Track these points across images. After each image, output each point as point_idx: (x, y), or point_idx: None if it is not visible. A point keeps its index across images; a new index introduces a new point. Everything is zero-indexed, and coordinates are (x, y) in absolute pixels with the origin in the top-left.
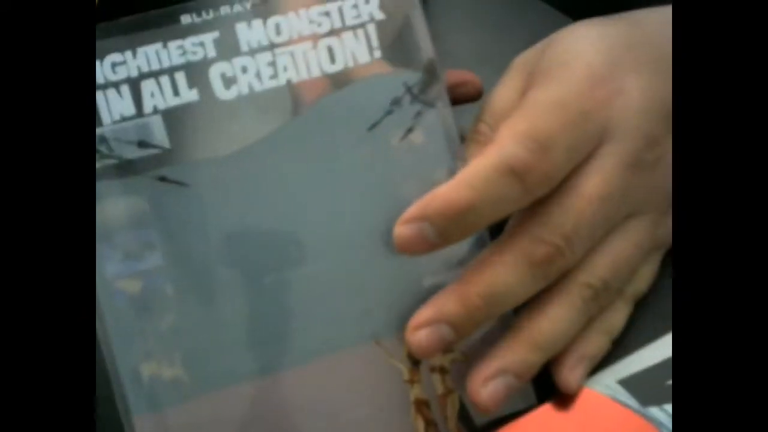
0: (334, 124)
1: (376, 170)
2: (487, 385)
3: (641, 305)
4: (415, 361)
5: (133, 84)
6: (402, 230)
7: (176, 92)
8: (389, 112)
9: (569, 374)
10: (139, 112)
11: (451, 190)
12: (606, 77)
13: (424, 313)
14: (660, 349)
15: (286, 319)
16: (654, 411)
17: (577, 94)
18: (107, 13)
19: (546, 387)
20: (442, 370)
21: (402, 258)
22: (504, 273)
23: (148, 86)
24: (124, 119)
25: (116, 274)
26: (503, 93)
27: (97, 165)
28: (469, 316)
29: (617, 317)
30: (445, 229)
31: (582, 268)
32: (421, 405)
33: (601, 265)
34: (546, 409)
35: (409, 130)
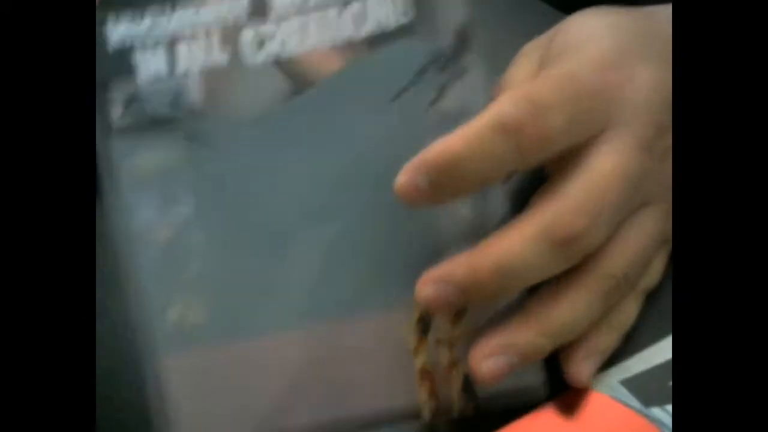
0: (360, 91)
1: (400, 139)
2: (489, 360)
3: (644, 305)
4: (423, 329)
5: (168, 45)
6: (399, 178)
7: (209, 55)
8: (416, 81)
9: (580, 367)
10: (173, 72)
11: (446, 142)
12: (617, 63)
13: (436, 271)
14: (663, 350)
15: (305, 277)
16: (656, 411)
17: (588, 71)
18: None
19: (547, 386)
20: (450, 342)
21: (424, 227)
22: (521, 248)
23: (182, 48)
24: (158, 79)
25: (147, 223)
26: (514, 74)
27: (131, 120)
28: (476, 285)
29: (629, 312)
30: (436, 180)
31: (604, 258)
32: (426, 374)
33: (622, 256)
34: (548, 409)
35: (436, 100)
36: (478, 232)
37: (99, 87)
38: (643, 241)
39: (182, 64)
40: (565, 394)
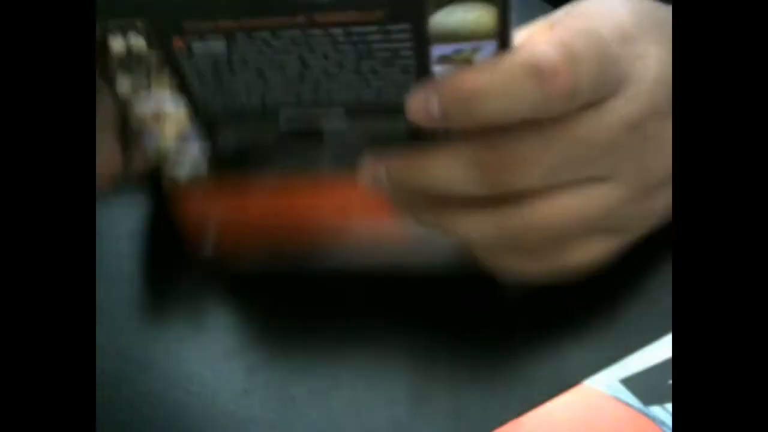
0: None
1: None
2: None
3: (643, 304)
4: None
5: None
6: (414, 96)
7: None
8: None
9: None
10: None
11: (469, 74)
12: (633, 38)
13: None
14: (662, 349)
15: None
16: (656, 410)
17: (609, 38)
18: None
19: (547, 386)
20: None
21: None
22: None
23: None
24: None
25: None
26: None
27: None
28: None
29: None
30: (447, 106)
31: (532, 200)
32: None
33: (548, 207)
34: (548, 408)
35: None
36: None
37: None
38: (578, 209)
39: None
40: (564, 394)
